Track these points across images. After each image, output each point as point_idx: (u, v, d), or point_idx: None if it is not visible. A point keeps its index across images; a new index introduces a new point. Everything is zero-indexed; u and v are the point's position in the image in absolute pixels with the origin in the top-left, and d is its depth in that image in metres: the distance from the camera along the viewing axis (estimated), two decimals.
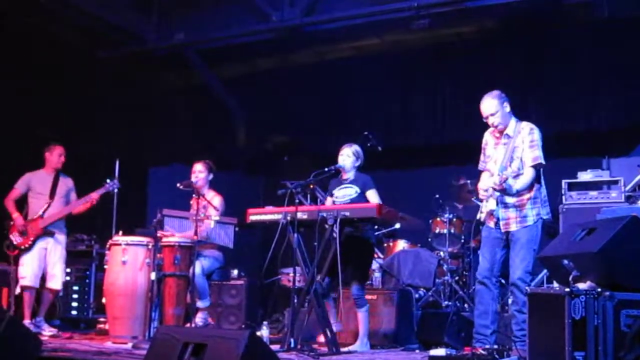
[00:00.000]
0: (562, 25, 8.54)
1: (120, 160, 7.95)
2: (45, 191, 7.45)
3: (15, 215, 7.32)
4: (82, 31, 9.20)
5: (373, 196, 6.28)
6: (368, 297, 6.76)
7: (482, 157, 5.79)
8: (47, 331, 7.19)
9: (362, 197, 6.28)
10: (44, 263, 7.38)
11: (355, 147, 6.45)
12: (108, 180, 7.40)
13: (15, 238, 7.29)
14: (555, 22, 8.51)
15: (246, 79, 10.55)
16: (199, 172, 7.11)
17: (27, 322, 7.13)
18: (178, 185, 6.72)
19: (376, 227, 8.09)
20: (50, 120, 8.66)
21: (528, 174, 5.43)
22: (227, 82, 10.56)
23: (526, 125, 5.54)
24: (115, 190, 7.46)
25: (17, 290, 7.28)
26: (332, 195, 6.46)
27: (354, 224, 6.17)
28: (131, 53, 9.75)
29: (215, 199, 7.03)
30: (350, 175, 6.42)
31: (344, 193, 6.37)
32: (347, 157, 6.38)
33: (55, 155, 7.52)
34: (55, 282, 7.40)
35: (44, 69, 8.71)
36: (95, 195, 7.38)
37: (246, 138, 11.08)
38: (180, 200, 7.12)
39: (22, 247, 7.27)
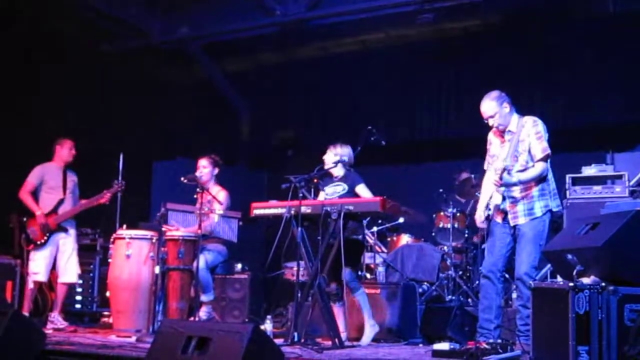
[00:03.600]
0: (567, 19, 8.52)
1: (125, 154, 7.95)
2: (58, 186, 7.40)
3: (39, 212, 7.24)
4: (86, 25, 9.20)
5: (364, 190, 6.31)
6: (372, 291, 6.78)
7: (487, 158, 5.78)
8: (60, 325, 7.21)
9: (350, 194, 6.32)
10: (55, 258, 7.36)
11: (338, 149, 6.48)
12: (116, 181, 7.38)
13: (33, 232, 7.24)
14: (561, 17, 8.49)
15: (250, 74, 10.56)
16: (203, 168, 7.12)
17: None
18: (182, 179, 6.71)
19: (379, 221, 8.15)
20: (54, 115, 8.67)
21: (539, 167, 5.42)
22: (232, 76, 10.57)
23: (529, 119, 5.53)
24: (121, 193, 7.46)
25: (31, 285, 7.25)
26: (324, 191, 6.50)
27: (357, 219, 6.18)
28: (135, 47, 9.76)
29: (220, 194, 7.04)
30: (340, 173, 6.46)
31: (333, 190, 6.43)
32: (329, 157, 6.44)
33: (66, 149, 7.46)
34: (70, 275, 7.38)
35: (48, 63, 8.71)
36: (108, 196, 7.37)
37: (250, 132, 11.10)
38: (184, 194, 7.11)
39: (38, 242, 7.23)
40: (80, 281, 8.41)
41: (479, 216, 5.65)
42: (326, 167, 6.45)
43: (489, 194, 5.57)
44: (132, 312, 6.74)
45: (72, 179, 7.56)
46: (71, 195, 7.49)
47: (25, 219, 7.29)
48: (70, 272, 7.38)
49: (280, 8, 8.95)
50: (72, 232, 7.50)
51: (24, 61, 8.53)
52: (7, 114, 8.30)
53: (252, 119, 11.08)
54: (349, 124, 9.63)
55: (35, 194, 7.37)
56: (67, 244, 7.40)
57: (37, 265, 7.23)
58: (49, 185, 7.39)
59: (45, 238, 7.26)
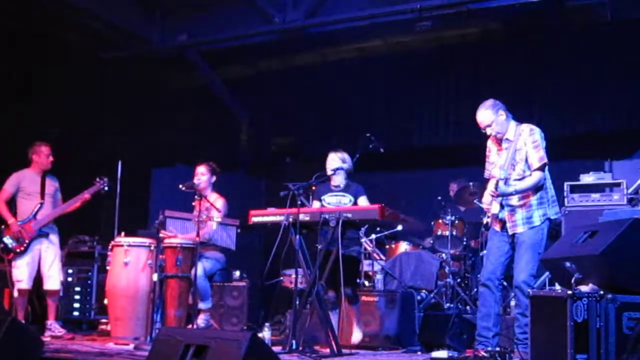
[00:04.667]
0: (565, 27, 8.53)
1: (123, 161, 7.95)
2: (36, 191, 7.34)
3: (11, 220, 7.20)
4: (85, 32, 9.21)
5: (364, 202, 6.35)
6: (370, 298, 6.81)
7: (487, 165, 5.78)
8: (57, 332, 7.19)
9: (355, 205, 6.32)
10: (38, 265, 7.30)
11: (341, 153, 6.50)
12: (98, 179, 7.38)
13: (10, 241, 7.21)
14: (558, 25, 8.50)
15: (249, 81, 10.56)
16: (202, 175, 7.11)
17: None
18: (180, 186, 6.71)
19: (378, 229, 8.14)
20: (53, 120, 8.67)
21: (535, 176, 5.41)
22: (230, 83, 10.57)
23: (526, 127, 5.53)
24: (105, 189, 7.43)
25: (15, 294, 7.21)
26: (320, 200, 6.45)
27: (355, 227, 6.18)
28: (134, 54, 9.77)
29: (218, 201, 7.03)
30: (340, 182, 6.44)
31: (337, 200, 6.40)
32: (333, 161, 6.43)
33: (43, 157, 7.40)
34: (53, 282, 7.31)
35: (47, 70, 8.72)
36: (86, 195, 7.34)
37: (248, 139, 11.09)
38: (182, 202, 7.12)
39: (18, 250, 7.18)
40: (78, 288, 8.41)
41: (486, 200, 5.63)
42: (330, 170, 6.40)
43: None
44: (130, 319, 6.73)
45: (52, 184, 7.50)
46: (51, 200, 7.42)
47: (2, 227, 7.25)
48: (52, 279, 7.31)
49: (279, 15, 8.96)
50: (54, 238, 7.43)
51: (23, 67, 8.53)
52: (8, 119, 8.31)
53: (251, 126, 11.08)
54: (348, 131, 9.64)
55: (13, 202, 7.34)
56: (49, 250, 7.34)
57: (20, 273, 7.18)
58: (26, 191, 7.34)
59: (25, 246, 7.20)
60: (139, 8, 9.53)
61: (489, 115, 5.50)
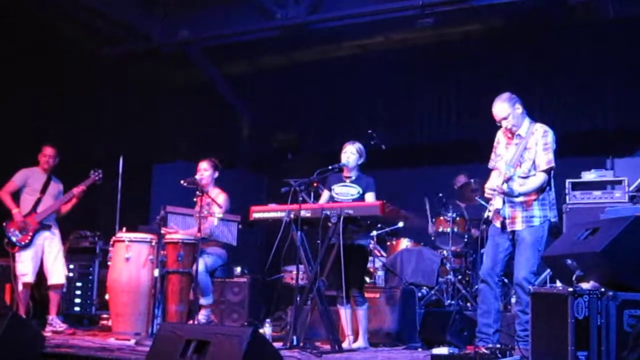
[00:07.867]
0: (568, 24, 8.54)
1: (125, 157, 7.96)
2: (39, 188, 7.43)
3: (15, 210, 7.25)
4: (86, 28, 9.22)
5: (371, 199, 6.24)
6: (371, 295, 6.78)
7: (492, 156, 5.76)
8: (59, 327, 7.21)
9: (363, 198, 6.26)
10: (41, 259, 7.35)
11: (358, 145, 6.39)
12: (93, 171, 7.44)
13: (14, 234, 7.26)
14: (561, 22, 8.51)
15: (251, 77, 10.57)
16: (204, 171, 7.11)
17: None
18: (182, 182, 6.70)
19: (379, 225, 8.13)
20: (54, 117, 8.68)
21: (540, 178, 5.40)
22: (232, 79, 10.58)
23: (540, 127, 5.50)
24: (99, 181, 7.47)
25: (20, 287, 7.25)
26: (330, 189, 6.42)
27: (357, 224, 6.16)
28: (136, 50, 9.77)
29: (220, 197, 7.03)
30: (353, 173, 6.37)
31: (345, 191, 6.32)
32: (351, 154, 6.30)
33: (47, 158, 7.47)
34: (58, 276, 7.36)
35: (48, 66, 8.71)
36: (82, 187, 7.39)
37: (250, 135, 11.10)
38: (184, 198, 7.12)
39: (22, 243, 7.23)
40: (79, 284, 8.42)
41: (489, 185, 5.58)
42: (346, 160, 6.27)
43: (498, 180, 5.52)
44: (131, 315, 6.75)
45: (56, 186, 7.57)
46: (53, 199, 7.47)
47: (4, 224, 7.28)
48: (57, 273, 7.37)
49: (280, 12, 8.96)
50: (57, 232, 7.50)
51: (24, 64, 8.53)
52: (8, 116, 8.31)
53: (252, 122, 11.08)
54: (349, 128, 9.64)
55: (17, 197, 7.38)
56: (52, 245, 7.40)
57: (25, 267, 7.24)
58: (32, 187, 7.43)
59: (29, 238, 7.26)
60: (140, 4, 9.53)
61: (505, 108, 5.48)
